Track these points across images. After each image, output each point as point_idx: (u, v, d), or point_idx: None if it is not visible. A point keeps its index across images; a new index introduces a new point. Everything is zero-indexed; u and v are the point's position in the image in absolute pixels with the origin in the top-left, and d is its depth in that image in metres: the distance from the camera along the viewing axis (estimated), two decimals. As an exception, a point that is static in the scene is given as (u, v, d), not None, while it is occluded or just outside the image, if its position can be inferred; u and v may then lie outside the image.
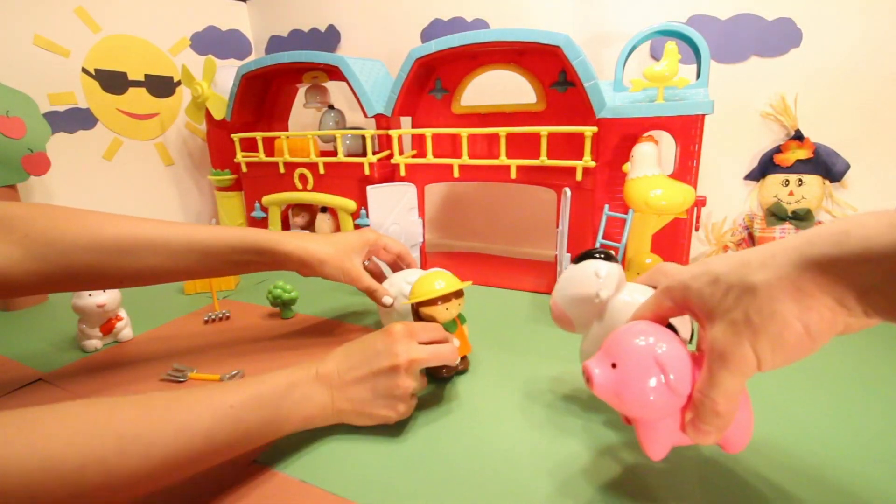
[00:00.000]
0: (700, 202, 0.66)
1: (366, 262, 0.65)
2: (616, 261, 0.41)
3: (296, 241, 0.57)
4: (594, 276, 0.40)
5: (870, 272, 0.23)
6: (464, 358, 0.53)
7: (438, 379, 0.51)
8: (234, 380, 0.38)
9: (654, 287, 0.38)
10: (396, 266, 0.66)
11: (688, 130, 0.63)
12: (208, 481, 0.38)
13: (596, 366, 0.32)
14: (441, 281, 0.50)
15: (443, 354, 0.44)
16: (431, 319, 0.49)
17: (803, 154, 0.79)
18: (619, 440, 0.42)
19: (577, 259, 0.42)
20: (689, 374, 0.30)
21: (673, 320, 0.34)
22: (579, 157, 0.69)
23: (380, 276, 0.65)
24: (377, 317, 0.69)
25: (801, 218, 0.79)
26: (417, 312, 0.50)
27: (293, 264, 0.57)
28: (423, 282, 0.50)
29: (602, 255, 0.41)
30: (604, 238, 0.69)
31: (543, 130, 0.70)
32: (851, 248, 0.23)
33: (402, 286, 0.58)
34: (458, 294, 0.50)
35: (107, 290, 0.60)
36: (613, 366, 0.31)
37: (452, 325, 0.50)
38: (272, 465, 0.40)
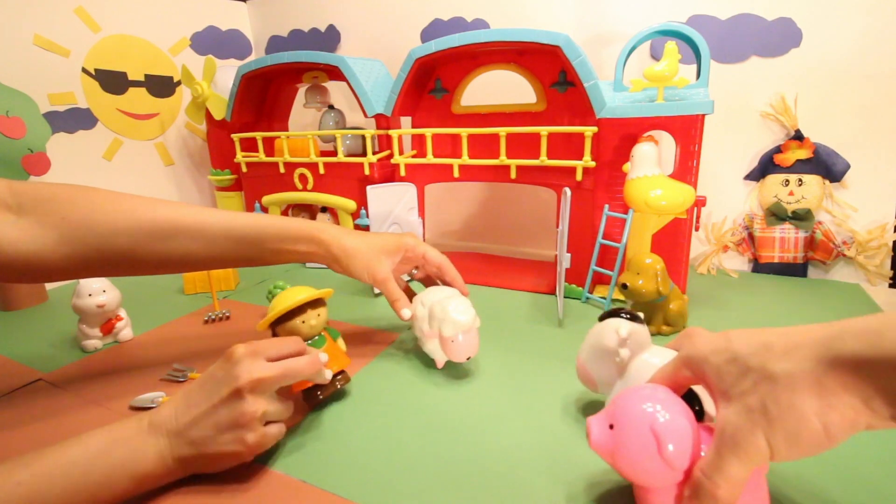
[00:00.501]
0: (700, 202, 0.66)
1: (413, 271, 0.62)
2: (641, 321, 0.41)
3: (331, 231, 0.55)
4: (615, 334, 0.39)
5: None
6: (341, 373, 0.47)
7: (316, 404, 0.46)
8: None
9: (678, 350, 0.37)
10: (431, 281, 0.62)
11: (688, 130, 0.63)
12: (208, 481, 0.38)
13: (595, 423, 0.31)
14: (297, 294, 0.46)
15: (297, 368, 0.39)
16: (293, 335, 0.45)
17: (803, 154, 0.79)
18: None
19: (601, 317, 0.42)
20: (689, 448, 0.29)
21: (697, 388, 0.34)
22: (579, 157, 0.69)
23: (429, 284, 0.62)
24: (378, 316, 0.69)
25: (801, 218, 0.79)
26: (276, 334, 0.47)
27: (324, 256, 0.55)
28: (277, 302, 0.46)
29: (627, 315, 0.41)
30: (604, 238, 0.69)
31: (543, 130, 0.70)
32: (885, 350, 0.22)
33: (416, 305, 0.54)
34: (316, 304, 0.46)
35: (106, 290, 0.60)
36: (611, 426, 0.31)
37: (319, 341, 0.47)
38: (272, 466, 0.40)
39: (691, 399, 0.33)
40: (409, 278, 0.65)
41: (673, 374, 0.32)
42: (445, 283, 0.59)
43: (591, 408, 0.46)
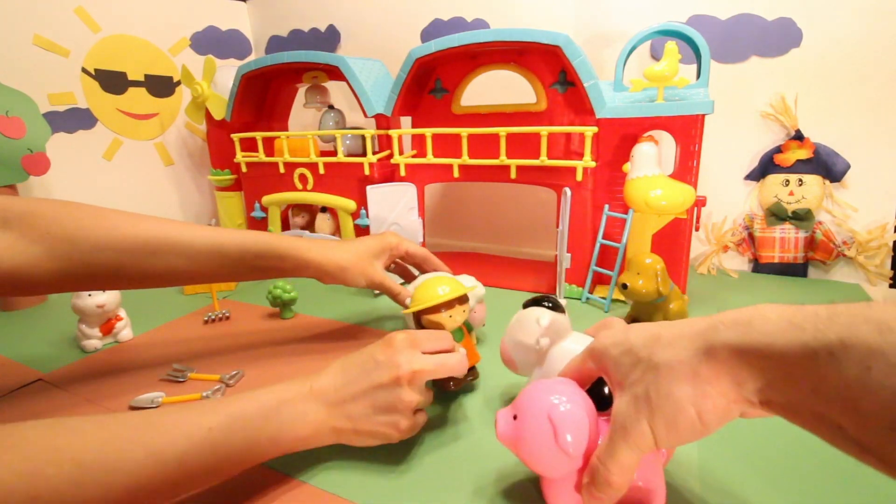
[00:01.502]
0: (700, 202, 0.66)
1: (391, 266, 0.64)
2: (562, 310, 0.42)
3: (317, 249, 0.56)
4: (536, 323, 0.41)
5: (768, 368, 0.23)
6: (472, 369, 0.49)
7: (445, 392, 0.48)
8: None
9: None
10: (406, 272, 0.65)
11: (688, 130, 0.63)
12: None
13: (501, 415, 0.33)
14: (444, 286, 0.47)
15: (450, 365, 0.40)
16: (434, 328, 0.46)
17: (803, 154, 0.79)
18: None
19: (525, 304, 0.44)
20: (585, 437, 0.30)
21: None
22: (579, 157, 0.69)
23: (409, 276, 0.65)
24: (377, 316, 0.69)
25: (802, 218, 0.79)
26: (419, 321, 0.48)
27: (314, 272, 0.56)
28: (424, 287, 0.48)
29: (550, 304, 0.42)
30: (604, 238, 0.69)
31: (543, 130, 0.70)
32: (752, 341, 0.23)
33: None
34: (463, 300, 0.48)
35: (106, 291, 0.60)
36: (515, 417, 0.32)
37: (459, 334, 0.48)
38: (272, 466, 0.40)
39: (601, 387, 0.34)
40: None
41: (580, 366, 0.34)
42: (433, 270, 0.62)
43: (591, 408, 0.46)
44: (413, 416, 0.39)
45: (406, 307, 0.55)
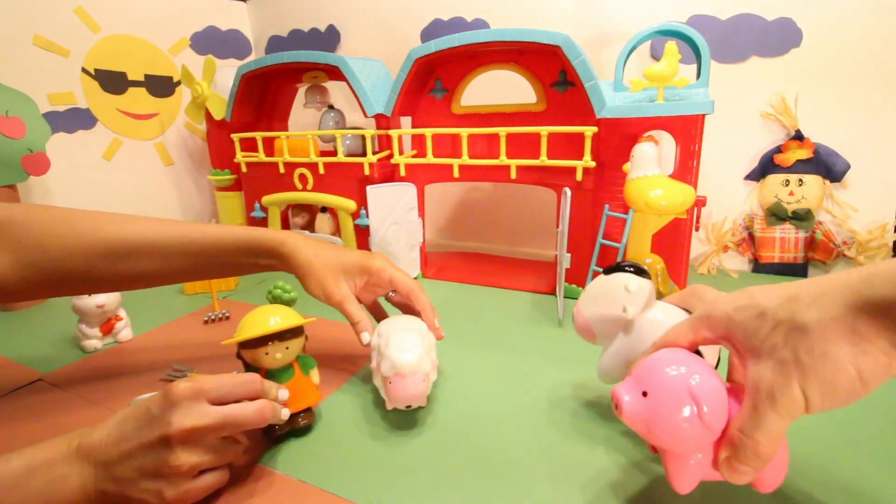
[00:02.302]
0: (700, 202, 0.66)
1: (391, 294, 0.55)
2: (648, 276, 0.39)
3: (291, 245, 0.51)
4: (624, 290, 0.38)
5: None
6: (306, 411, 0.43)
7: (273, 437, 0.42)
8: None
9: (685, 309, 0.37)
10: (404, 307, 0.55)
11: (688, 130, 0.63)
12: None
13: (626, 393, 0.30)
14: (276, 317, 0.41)
15: (241, 417, 0.34)
16: (256, 366, 0.41)
17: (803, 154, 0.79)
18: (622, 443, 0.42)
19: (607, 270, 0.41)
20: (724, 408, 0.29)
21: (701, 347, 0.33)
22: (579, 157, 0.69)
23: (406, 311, 0.55)
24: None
25: (802, 218, 0.79)
26: (241, 357, 0.43)
27: (286, 269, 0.53)
28: (251, 318, 0.42)
29: (633, 269, 0.39)
30: (604, 238, 0.69)
31: (543, 130, 0.70)
32: None
33: (380, 340, 0.46)
34: (294, 334, 0.42)
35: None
36: (644, 394, 0.30)
37: (284, 374, 0.42)
38: (272, 466, 0.40)
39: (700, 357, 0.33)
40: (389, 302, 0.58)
41: (691, 334, 0.31)
42: (414, 313, 0.52)
43: (592, 407, 0.46)
44: (185, 483, 0.33)
45: (361, 342, 0.48)
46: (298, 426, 0.43)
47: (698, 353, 0.33)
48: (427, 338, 0.46)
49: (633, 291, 0.38)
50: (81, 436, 0.34)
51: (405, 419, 0.45)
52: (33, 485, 0.31)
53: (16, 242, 0.43)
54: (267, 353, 0.41)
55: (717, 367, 0.36)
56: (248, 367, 0.42)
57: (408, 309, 0.54)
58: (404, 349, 0.42)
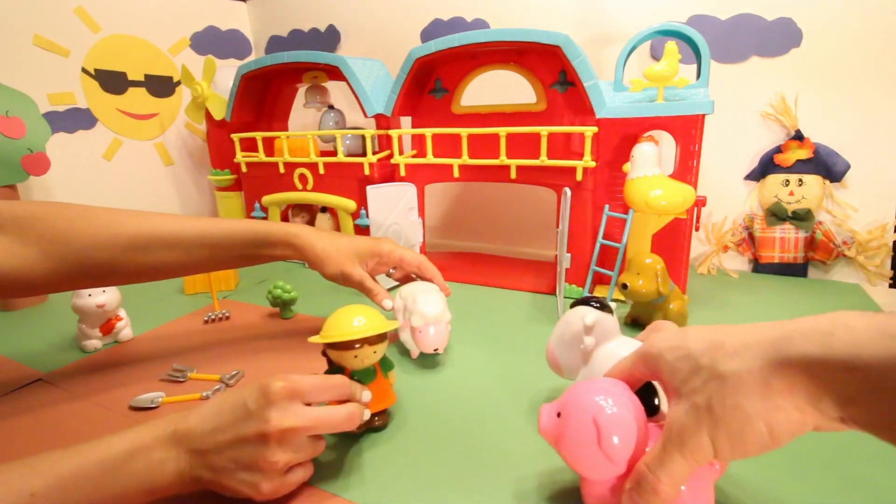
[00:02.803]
0: (700, 202, 0.66)
1: (391, 271, 0.64)
2: (610, 311, 0.41)
3: (306, 236, 0.56)
4: (581, 321, 0.40)
5: (853, 382, 0.22)
6: (382, 413, 0.44)
7: (348, 434, 0.43)
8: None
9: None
10: (409, 279, 0.64)
11: (688, 130, 0.63)
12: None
13: (545, 411, 0.32)
14: (360, 318, 0.41)
15: (333, 421, 0.36)
16: (340, 366, 0.42)
17: (803, 154, 0.79)
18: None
19: (573, 304, 0.43)
20: (631, 443, 0.29)
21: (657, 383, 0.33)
22: (579, 157, 0.69)
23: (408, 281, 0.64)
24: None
25: (801, 218, 0.79)
26: (326, 355, 0.43)
27: (300, 257, 0.57)
28: (337, 318, 0.42)
29: (597, 304, 0.41)
30: (604, 238, 0.69)
31: (543, 130, 0.70)
32: (836, 353, 0.22)
33: (396, 297, 0.57)
34: (379, 338, 0.42)
35: (106, 290, 0.60)
36: (559, 415, 0.31)
37: (368, 375, 0.42)
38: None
39: (649, 393, 0.33)
40: (389, 278, 0.67)
41: (630, 368, 0.32)
42: (426, 280, 0.61)
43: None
44: (280, 478, 0.34)
45: (384, 307, 0.56)
46: (375, 426, 0.44)
47: (656, 391, 0.33)
48: (443, 296, 0.56)
49: (588, 324, 0.39)
50: (177, 422, 0.35)
51: (404, 419, 0.45)
52: (134, 468, 0.32)
53: (38, 237, 0.45)
54: (356, 357, 0.41)
55: None
56: (332, 365, 0.43)
57: (408, 280, 0.63)
58: (430, 304, 0.52)
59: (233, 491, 0.34)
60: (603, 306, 0.41)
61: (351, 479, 0.38)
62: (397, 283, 0.66)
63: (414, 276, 0.64)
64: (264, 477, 0.34)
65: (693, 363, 0.27)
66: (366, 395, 0.39)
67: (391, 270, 0.64)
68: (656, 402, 0.33)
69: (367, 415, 0.39)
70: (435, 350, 0.52)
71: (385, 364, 0.44)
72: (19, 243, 0.44)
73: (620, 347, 0.39)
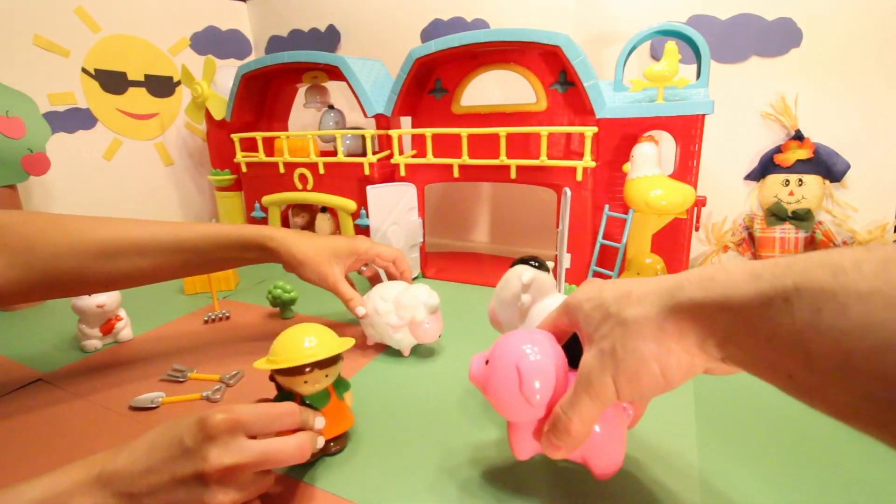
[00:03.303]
0: (700, 202, 0.66)
1: (363, 268, 0.65)
2: (546, 269, 0.42)
3: (280, 239, 0.55)
4: (518, 279, 0.41)
5: (728, 321, 0.23)
6: (339, 437, 0.41)
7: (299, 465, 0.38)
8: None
9: None
10: (390, 273, 0.64)
11: (688, 130, 0.63)
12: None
13: (475, 359, 0.34)
14: (312, 339, 0.38)
15: (282, 454, 0.32)
16: (290, 391, 0.39)
17: (803, 154, 0.79)
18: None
19: (513, 263, 0.44)
20: (551, 388, 0.31)
21: None
22: (579, 157, 0.69)
23: (377, 282, 0.64)
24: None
25: (802, 218, 0.79)
26: (274, 380, 0.40)
27: (276, 261, 0.57)
28: (285, 339, 0.39)
29: (535, 263, 0.42)
30: (604, 238, 0.69)
31: (543, 130, 0.70)
32: (714, 295, 0.24)
33: (376, 302, 0.55)
34: (332, 361, 0.39)
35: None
36: (487, 362, 0.33)
37: (321, 399, 0.39)
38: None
39: (578, 344, 0.33)
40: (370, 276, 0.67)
41: (554, 320, 0.34)
42: (397, 275, 0.62)
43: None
44: None
45: (357, 315, 0.56)
46: (330, 452, 0.40)
47: (577, 341, 0.34)
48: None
49: (525, 282, 0.40)
50: (103, 461, 0.31)
51: (404, 419, 0.45)
52: None
53: (3, 246, 0.44)
54: (306, 382, 0.38)
55: None
56: (281, 391, 0.40)
57: (376, 281, 0.64)
58: (426, 293, 0.53)
59: None
60: (540, 265, 0.42)
61: (351, 479, 0.38)
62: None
63: (384, 274, 0.65)
64: None
65: (604, 311, 0.29)
66: (319, 421, 0.36)
67: (363, 268, 0.65)
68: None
69: (320, 442, 0.36)
70: (438, 336, 0.54)
71: (340, 385, 0.41)
72: None
73: (556, 302, 0.40)
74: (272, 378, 0.40)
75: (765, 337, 0.22)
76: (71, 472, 0.30)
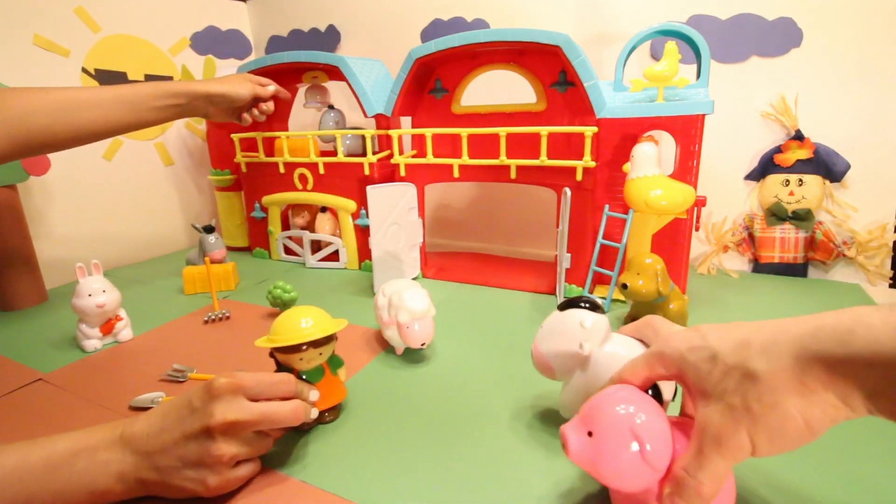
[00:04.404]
0: (700, 202, 0.66)
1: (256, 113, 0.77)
2: (603, 311, 0.40)
3: (204, 82, 0.69)
4: (579, 326, 0.39)
5: (876, 377, 0.23)
6: (333, 409, 0.45)
7: (300, 430, 0.44)
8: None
9: (641, 340, 0.37)
10: (277, 101, 0.79)
11: (688, 130, 0.63)
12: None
13: (572, 432, 0.31)
14: (308, 320, 0.42)
15: (278, 416, 0.36)
16: (288, 367, 0.43)
17: (803, 154, 0.79)
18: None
19: (561, 306, 0.41)
20: (668, 446, 0.29)
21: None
22: (579, 157, 0.69)
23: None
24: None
25: (802, 218, 0.79)
26: (274, 357, 0.44)
27: (205, 103, 0.69)
28: (284, 320, 0.43)
29: (588, 305, 0.40)
30: (604, 238, 0.69)
31: (543, 130, 0.70)
32: (857, 350, 0.23)
33: (378, 295, 0.58)
34: (326, 340, 0.43)
35: (106, 290, 0.60)
36: (590, 434, 0.30)
37: (315, 374, 0.43)
38: (272, 466, 0.40)
39: (653, 391, 0.33)
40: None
41: (646, 370, 0.32)
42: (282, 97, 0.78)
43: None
44: (226, 472, 0.35)
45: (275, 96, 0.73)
46: (325, 422, 0.44)
47: (656, 386, 0.33)
48: (427, 292, 0.56)
49: (588, 328, 0.38)
50: (125, 425, 0.36)
51: (404, 419, 0.45)
52: (77, 467, 0.33)
53: None
54: (301, 359, 0.42)
55: (673, 399, 0.36)
56: (280, 366, 0.44)
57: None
58: (416, 299, 0.53)
59: (179, 490, 0.35)
60: (594, 306, 0.40)
61: (351, 479, 0.38)
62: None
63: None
64: (211, 471, 0.34)
65: (722, 364, 0.27)
66: (313, 394, 0.41)
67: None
68: (663, 399, 0.33)
69: (314, 413, 0.40)
70: (422, 345, 0.53)
71: (333, 362, 0.45)
72: None
73: (617, 346, 0.38)
74: (272, 355, 0.43)
75: None
76: (97, 431, 0.35)
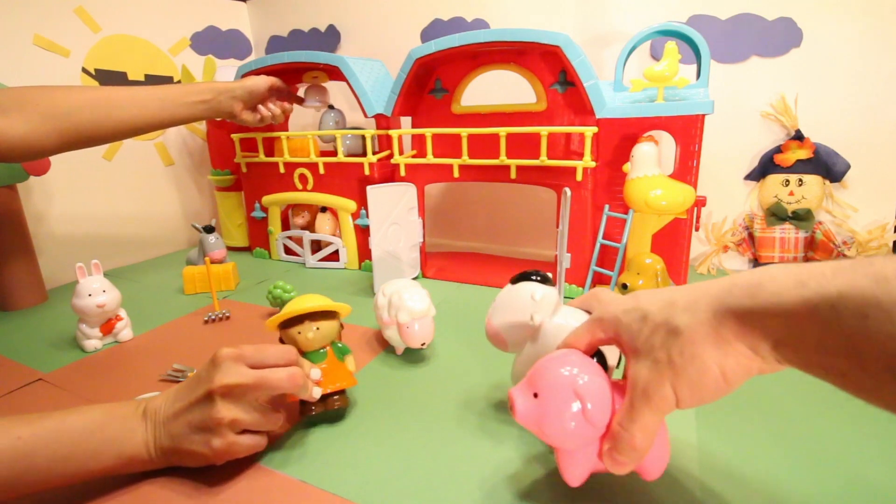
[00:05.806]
0: (700, 202, 0.66)
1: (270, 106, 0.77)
2: (552, 284, 0.41)
3: (222, 82, 0.72)
4: (530, 298, 0.40)
5: (779, 326, 0.24)
6: (340, 393, 0.45)
7: (307, 416, 0.44)
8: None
9: (588, 311, 0.38)
10: (281, 95, 0.78)
11: (688, 130, 0.63)
12: (208, 481, 0.38)
13: (519, 395, 0.32)
14: (311, 302, 0.45)
15: (273, 379, 0.38)
16: (293, 345, 0.44)
17: (803, 154, 0.79)
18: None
19: (514, 280, 0.43)
20: (608, 404, 0.30)
21: (602, 347, 0.35)
22: (579, 157, 0.69)
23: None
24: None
25: (802, 218, 0.79)
26: (282, 340, 0.47)
27: (224, 100, 0.71)
28: (291, 303, 0.46)
29: (539, 278, 0.41)
30: (604, 238, 0.69)
31: (543, 130, 0.70)
32: (763, 301, 0.24)
33: (378, 295, 0.58)
34: (324, 316, 0.45)
35: (106, 290, 0.60)
36: (535, 395, 0.31)
37: (318, 356, 0.45)
38: (272, 466, 0.40)
39: (598, 357, 0.34)
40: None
41: (586, 336, 0.33)
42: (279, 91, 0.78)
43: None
44: (229, 436, 0.37)
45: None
46: (333, 408, 0.44)
47: (601, 352, 0.35)
48: (427, 292, 0.56)
49: (538, 300, 0.39)
50: (147, 401, 0.39)
51: (404, 419, 0.45)
52: (110, 431, 0.36)
53: (34, 108, 0.56)
54: (299, 333, 0.44)
55: (618, 365, 0.37)
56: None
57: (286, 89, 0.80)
58: (416, 299, 0.53)
59: (190, 455, 0.37)
60: (544, 279, 0.42)
61: (351, 479, 0.38)
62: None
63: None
64: (213, 434, 0.36)
65: (651, 322, 0.29)
66: (314, 372, 0.43)
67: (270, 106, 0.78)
68: (608, 363, 0.35)
69: (317, 392, 0.42)
70: (422, 344, 0.53)
71: (339, 348, 0.47)
72: (21, 117, 0.55)
73: (566, 318, 0.39)
74: (281, 339, 0.46)
75: (814, 341, 0.23)
76: (124, 406, 0.39)
